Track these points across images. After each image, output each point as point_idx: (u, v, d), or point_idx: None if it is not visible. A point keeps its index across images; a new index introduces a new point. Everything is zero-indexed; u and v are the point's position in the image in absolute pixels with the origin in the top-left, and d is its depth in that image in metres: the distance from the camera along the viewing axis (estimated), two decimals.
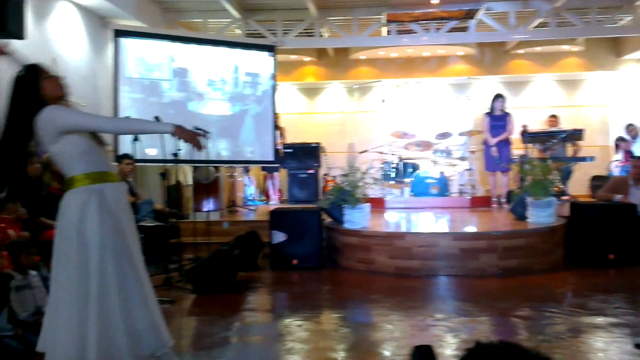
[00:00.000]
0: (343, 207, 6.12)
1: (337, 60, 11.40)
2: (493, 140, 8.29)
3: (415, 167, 9.58)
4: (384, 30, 9.60)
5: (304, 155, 9.95)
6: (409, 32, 9.38)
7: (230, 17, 9.00)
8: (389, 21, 9.04)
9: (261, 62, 8.12)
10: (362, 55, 11.11)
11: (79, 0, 6.87)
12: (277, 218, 6.05)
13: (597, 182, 10.41)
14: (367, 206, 6.18)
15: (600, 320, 3.87)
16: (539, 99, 11.69)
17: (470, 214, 7.81)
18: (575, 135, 8.33)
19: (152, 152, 6.52)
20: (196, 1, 8.64)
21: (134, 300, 2.55)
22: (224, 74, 7.84)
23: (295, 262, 5.89)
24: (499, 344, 0.99)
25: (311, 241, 5.95)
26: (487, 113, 8.52)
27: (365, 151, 10.06)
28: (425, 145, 9.49)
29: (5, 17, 4.52)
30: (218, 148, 7.51)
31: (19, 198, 4.58)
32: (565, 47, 10.73)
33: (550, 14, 8.94)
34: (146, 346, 2.55)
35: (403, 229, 6.44)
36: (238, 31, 9.44)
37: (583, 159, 8.38)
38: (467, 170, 9.32)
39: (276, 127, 8.50)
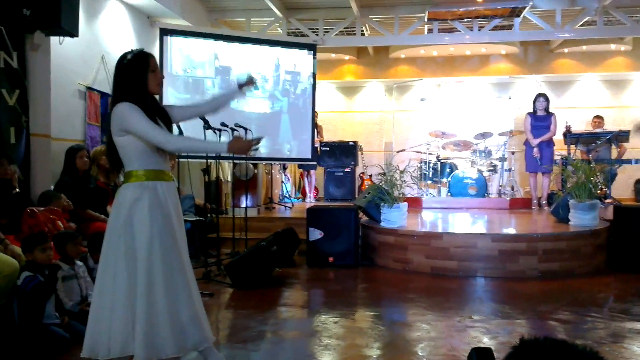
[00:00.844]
0: (380, 205, 6.13)
1: (376, 59, 11.38)
2: (535, 141, 8.14)
3: (453, 167, 9.50)
4: (426, 28, 9.52)
5: (341, 154, 9.98)
6: (451, 30, 9.28)
7: (272, 15, 9.10)
8: (431, 19, 8.96)
9: (302, 61, 8.18)
10: (402, 54, 11.05)
11: (127, 0, 7.07)
12: (314, 215, 6.10)
13: None
14: (404, 205, 6.17)
15: None
16: (583, 100, 11.40)
17: (509, 216, 7.69)
18: (620, 136, 8.10)
19: None
20: (240, 0, 8.76)
21: (179, 296, 2.62)
22: (266, 72, 7.94)
23: (331, 259, 5.93)
24: (544, 340, 0.98)
25: (347, 239, 5.98)
26: (529, 113, 8.37)
27: (402, 150, 10.03)
28: (464, 145, 9.39)
29: (60, 14, 4.70)
30: (257, 145, 7.60)
31: (65, 190, 4.77)
32: (612, 47, 10.43)
33: (597, 12, 8.71)
34: (189, 340, 2.61)
35: (440, 229, 6.40)
36: (280, 30, 9.53)
37: (628, 162, 8.14)
38: (507, 170, 9.18)
39: (314, 125, 8.55)
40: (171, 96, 7.31)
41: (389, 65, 11.44)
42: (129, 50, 2.76)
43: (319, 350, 3.40)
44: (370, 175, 10.69)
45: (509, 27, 9.17)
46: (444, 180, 9.27)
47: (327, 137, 10.67)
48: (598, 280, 5.32)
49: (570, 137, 8.18)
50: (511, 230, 6.29)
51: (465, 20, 8.99)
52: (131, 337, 2.50)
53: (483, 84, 11.68)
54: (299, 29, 9.45)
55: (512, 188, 9.16)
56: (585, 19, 8.92)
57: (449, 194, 8.94)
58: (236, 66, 7.75)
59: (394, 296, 4.92)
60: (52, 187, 5.02)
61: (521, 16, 8.75)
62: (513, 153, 9.67)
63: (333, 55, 10.95)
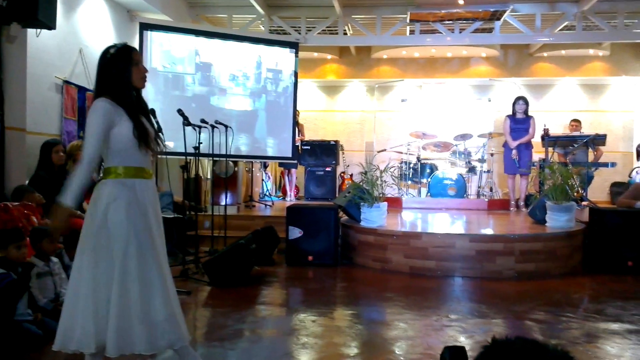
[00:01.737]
0: (360, 205, 6.14)
1: (358, 59, 11.40)
2: (513, 143, 8.23)
3: (433, 168, 9.56)
4: (408, 29, 9.57)
5: (322, 153, 9.98)
6: (433, 32, 9.34)
7: (255, 13, 9.05)
8: (413, 20, 9.00)
9: (283, 59, 8.16)
10: (384, 55, 11.09)
11: None
12: (294, 214, 6.08)
13: (618, 188, 10.30)
14: (384, 205, 6.18)
15: (616, 326, 3.84)
16: (561, 103, 11.56)
17: (487, 217, 7.76)
18: (597, 140, 8.23)
19: (172, 145, 6.59)
20: None
21: (155, 294, 2.58)
22: (247, 69, 7.90)
23: (310, 258, 5.92)
24: (516, 340, 0.99)
25: (327, 238, 5.97)
26: (509, 115, 8.46)
27: (383, 150, 10.06)
28: (444, 146, 9.45)
29: (37, 6, 4.62)
30: (238, 143, 7.57)
31: (40, 185, 4.68)
32: (590, 51, 10.60)
33: (576, 17, 8.84)
34: (164, 338, 2.58)
35: (419, 229, 6.43)
36: (262, 27, 9.49)
37: (604, 165, 8.28)
38: (486, 172, 9.27)
39: (295, 123, 8.54)
40: (150, 92, 7.23)
41: (370, 65, 11.47)
42: (112, 44, 2.72)
43: (297, 348, 3.39)
44: (351, 175, 10.72)
45: (490, 30, 9.25)
46: (424, 180, 9.33)
47: (308, 136, 10.66)
48: (573, 281, 5.40)
49: (548, 139, 8.29)
50: (489, 231, 6.34)
51: (447, 22, 9.05)
52: (104, 332, 2.46)
53: (463, 86, 11.78)
54: (281, 27, 9.42)
55: (491, 189, 9.25)
56: (564, 24, 9.05)
57: (429, 194, 9.00)
58: (217, 63, 7.69)
59: (373, 295, 4.93)
60: (27, 182, 4.93)
61: (502, 19, 8.85)
62: (492, 155, 9.76)
63: (315, 54, 10.95)
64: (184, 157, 5.84)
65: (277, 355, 3.34)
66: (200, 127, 5.83)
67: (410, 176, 9.45)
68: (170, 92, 7.41)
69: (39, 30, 5.23)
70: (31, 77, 5.32)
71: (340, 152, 10.54)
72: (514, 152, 8.22)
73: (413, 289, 5.05)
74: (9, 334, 3.24)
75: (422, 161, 9.44)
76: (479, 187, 9.25)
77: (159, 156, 5.61)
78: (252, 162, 8.67)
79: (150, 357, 2.89)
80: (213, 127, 6.24)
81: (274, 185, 10.70)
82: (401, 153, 9.81)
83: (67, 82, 6.15)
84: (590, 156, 8.60)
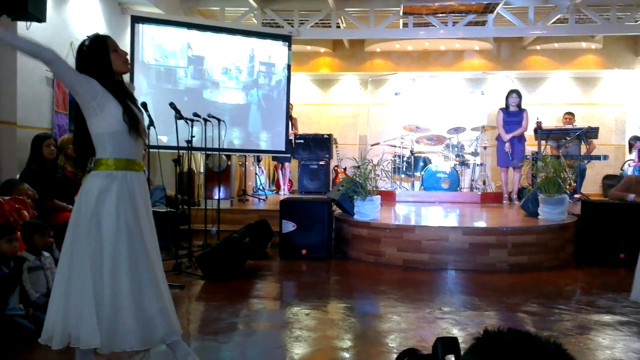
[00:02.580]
0: (354, 198, 6.14)
1: (352, 52, 11.37)
2: (506, 136, 8.25)
3: (426, 161, 9.57)
4: (401, 22, 9.55)
5: (315, 146, 9.97)
6: (426, 25, 9.32)
7: (247, 5, 9.00)
8: (406, 13, 8.98)
9: (277, 52, 8.12)
10: (377, 48, 11.06)
11: None
12: (287, 208, 6.08)
13: (610, 181, 10.35)
14: (377, 198, 6.19)
15: (608, 318, 3.86)
16: (554, 96, 11.59)
17: (480, 210, 7.78)
18: (589, 133, 8.26)
19: (165, 139, 6.56)
20: None
21: (146, 288, 2.57)
22: (240, 62, 7.86)
23: (304, 251, 5.93)
24: (508, 331, 0.98)
25: (320, 232, 5.97)
26: (502, 109, 8.47)
27: (377, 144, 10.05)
28: (438, 140, 9.46)
29: (27, 0, 4.56)
30: (231, 136, 7.55)
31: (31, 179, 4.65)
32: (583, 44, 10.61)
33: (569, 10, 8.84)
34: (156, 333, 2.57)
35: (413, 222, 6.45)
36: (254, 20, 9.44)
37: (597, 158, 8.31)
38: (479, 165, 9.28)
39: (289, 117, 8.51)
40: (142, 85, 7.19)
41: (364, 58, 11.44)
42: (85, 37, 2.71)
43: (290, 341, 3.39)
44: (345, 168, 10.71)
45: (483, 23, 9.24)
46: (418, 174, 9.34)
47: (302, 129, 10.64)
48: (565, 273, 5.43)
49: (541, 132, 8.31)
50: (482, 224, 6.36)
51: (440, 15, 9.03)
52: (95, 328, 2.45)
53: (457, 79, 11.78)
54: (274, 20, 9.37)
55: (484, 182, 9.27)
56: (557, 17, 9.06)
57: (422, 187, 9.01)
58: (209, 56, 7.65)
59: (366, 288, 4.94)
60: (17, 176, 4.89)
61: (495, 12, 8.84)
62: (485, 148, 9.77)
63: (308, 47, 10.90)
64: (176, 151, 5.81)
65: (270, 348, 3.35)
66: (192, 120, 5.80)
67: (404, 169, 9.45)
68: (163, 86, 7.36)
69: (29, 23, 5.17)
70: (22, 70, 5.27)
71: (334, 146, 10.53)
72: (507, 145, 8.23)
73: (406, 281, 5.06)
74: (1, 328, 3.22)
75: (416, 154, 9.45)
76: (472, 180, 9.27)
77: (151, 150, 5.61)
78: (245, 155, 8.65)
79: (144, 352, 2.88)
80: (206, 120, 6.20)
81: (268, 179, 10.69)
82: (395, 146, 9.81)
83: None
84: (583, 149, 8.64)
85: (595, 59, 10.93)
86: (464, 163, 9.25)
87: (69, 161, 5.29)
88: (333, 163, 10.66)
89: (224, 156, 7.63)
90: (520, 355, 0.94)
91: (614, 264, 5.70)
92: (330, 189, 8.91)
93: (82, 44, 2.67)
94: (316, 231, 5.97)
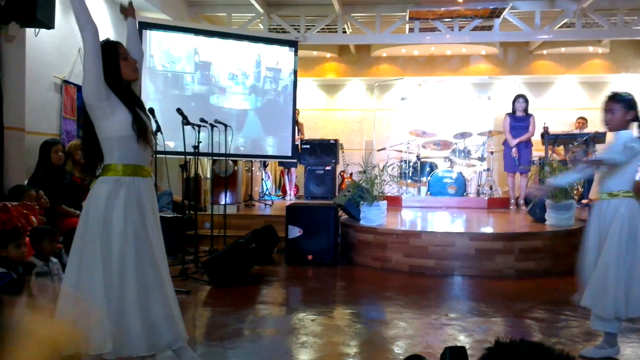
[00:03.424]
0: (360, 204, 6.14)
1: (358, 57, 11.38)
2: (513, 141, 8.22)
3: (432, 167, 9.55)
4: (407, 27, 9.56)
5: (321, 151, 9.97)
6: (432, 29, 9.33)
7: (254, 11, 9.04)
8: (412, 18, 8.99)
9: (283, 58, 8.14)
10: (383, 53, 11.07)
11: None
12: (294, 213, 6.08)
13: None
14: (383, 204, 6.18)
15: None
16: (561, 101, 11.54)
17: (487, 215, 7.76)
18: (597, 138, 8.22)
19: (172, 144, 6.59)
20: None
21: (152, 293, 2.58)
22: (246, 68, 7.89)
23: (310, 257, 5.92)
24: (521, 344, 0.97)
25: (327, 237, 5.97)
26: (508, 113, 8.45)
27: (383, 149, 10.05)
28: (444, 145, 9.45)
29: (35, 5, 4.60)
30: (237, 142, 7.57)
31: (39, 185, 4.68)
32: (590, 49, 10.57)
33: (576, 14, 8.82)
34: (162, 338, 2.58)
35: (419, 228, 6.44)
36: (261, 26, 9.48)
37: None
38: (485, 170, 9.26)
39: (295, 122, 8.53)
40: (150, 91, 7.23)
41: (370, 63, 11.45)
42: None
43: (296, 347, 3.39)
44: (351, 174, 10.71)
45: (489, 28, 9.24)
46: (424, 179, 9.32)
47: (308, 134, 10.65)
48: (573, 280, 5.33)
49: (548, 137, 8.28)
50: (489, 230, 6.34)
51: (446, 20, 9.04)
52: (106, 333, 2.46)
53: (463, 84, 11.76)
54: (280, 26, 9.40)
55: (491, 188, 9.24)
56: (564, 21, 9.04)
57: (429, 193, 8.99)
58: (216, 61, 7.68)
59: (372, 294, 4.93)
60: (26, 182, 4.93)
61: (501, 17, 8.83)
62: (492, 153, 9.75)
63: (315, 52, 10.93)
64: (183, 157, 5.83)
65: (276, 354, 3.34)
66: (199, 126, 5.82)
67: (410, 175, 9.44)
68: (170, 91, 7.40)
69: (37, 29, 5.22)
70: (30, 76, 5.31)
71: (340, 151, 10.52)
72: (513, 150, 8.21)
73: (413, 287, 5.05)
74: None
75: (422, 160, 9.43)
76: (479, 185, 9.25)
77: (159, 155, 5.64)
78: (251, 161, 8.67)
79: (150, 357, 2.89)
80: (212, 126, 6.23)
81: (274, 184, 10.70)
82: (401, 151, 9.80)
83: (66, 82, 6.14)
84: (590, 154, 8.58)
85: (602, 64, 10.88)
86: (470, 166, 9.23)
87: (76, 167, 5.32)
88: (339, 168, 10.65)
89: (230, 161, 7.65)
90: None
91: None
92: (337, 194, 8.91)
93: None
94: (322, 237, 5.96)
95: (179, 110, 5.59)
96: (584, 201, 7.94)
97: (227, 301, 4.44)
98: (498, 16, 8.80)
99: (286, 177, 10.17)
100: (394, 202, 8.42)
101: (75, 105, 6.28)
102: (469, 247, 5.49)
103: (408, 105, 11.20)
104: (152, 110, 4.29)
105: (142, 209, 2.63)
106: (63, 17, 6.06)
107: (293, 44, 8.28)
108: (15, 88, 4.98)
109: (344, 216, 6.55)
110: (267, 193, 9.74)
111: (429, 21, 9.06)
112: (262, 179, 9.74)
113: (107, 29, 7.16)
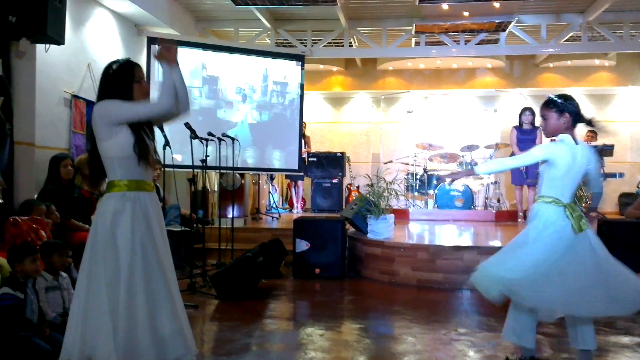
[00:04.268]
0: (367, 217, 6.13)
1: (364, 71, 11.43)
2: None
3: (440, 179, 9.54)
4: (413, 41, 9.60)
5: (328, 165, 9.99)
6: (438, 43, 9.37)
7: (261, 26, 9.11)
8: (418, 32, 9.04)
9: (290, 72, 8.20)
10: (389, 66, 11.12)
11: (115, 8, 7.04)
12: (301, 226, 6.08)
13: (626, 199, 10.22)
14: (391, 217, 6.17)
15: (627, 340, 3.80)
16: None
17: (495, 228, 7.73)
18: (604, 150, 8.20)
19: (180, 158, 6.62)
20: (228, 10, 8.76)
21: (161, 307, 2.59)
22: (253, 82, 7.94)
23: (317, 271, 5.91)
24: None
25: (334, 250, 5.96)
26: (515, 126, 8.44)
27: (390, 162, 10.05)
28: (451, 157, 9.44)
29: (46, 22, 4.66)
30: (244, 155, 7.60)
31: (48, 199, 4.71)
32: (596, 62, 10.59)
33: (582, 27, 8.84)
34: (171, 352, 2.58)
35: (427, 241, 6.41)
36: (268, 40, 9.55)
37: (612, 175, 8.24)
38: (493, 183, 9.23)
39: (302, 135, 8.56)
40: None
41: (376, 76, 11.50)
42: (115, 59, 2.76)
43: None
44: (358, 187, 10.71)
45: (495, 42, 9.27)
46: (431, 192, 9.31)
47: (315, 147, 10.68)
48: None
49: None
50: (497, 243, 6.31)
51: (452, 33, 9.08)
52: (112, 347, 2.46)
53: (469, 97, 11.77)
54: (287, 40, 9.47)
55: (498, 200, 9.21)
56: (570, 34, 9.06)
57: (436, 205, 8.97)
58: (224, 76, 7.74)
59: (380, 308, 4.91)
60: (35, 196, 4.96)
61: (507, 31, 8.86)
62: None
63: (321, 66, 10.99)
64: (191, 170, 5.86)
65: None
66: (207, 140, 5.86)
67: (417, 187, 9.43)
68: None
69: (47, 45, 5.27)
70: (40, 91, 5.36)
71: (347, 164, 10.54)
72: None
73: (421, 302, 5.03)
74: (18, 348, 3.24)
75: (429, 172, 9.43)
76: (486, 198, 9.22)
77: (167, 169, 5.67)
78: (258, 174, 8.69)
79: None
80: (220, 139, 6.26)
81: (281, 197, 10.71)
82: (408, 164, 9.80)
83: (75, 97, 6.20)
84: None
85: (608, 76, 10.89)
86: (478, 180, 9.21)
87: (85, 181, 5.35)
88: (346, 181, 10.66)
89: (237, 175, 7.68)
90: None
91: None
92: (344, 207, 8.91)
93: (110, 66, 2.73)
94: (330, 250, 5.96)
95: (186, 124, 5.61)
96: (592, 214, 7.89)
97: (235, 315, 4.44)
98: (504, 30, 8.83)
99: (293, 190, 10.18)
100: (401, 215, 8.40)
101: (84, 119, 6.33)
102: (477, 261, 5.40)
103: (414, 118, 11.22)
104: (160, 125, 4.33)
105: (149, 222, 2.65)
106: (73, 33, 6.13)
107: (300, 58, 8.33)
108: (25, 103, 5.03)
109: (351, 229, 6.54)
110: (274, 206, 9.75)
111: (435, 35, 9.10)
112: (269, 192, 9.76)
113: (116, 44, 7.23)
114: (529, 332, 3.13)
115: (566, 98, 3.19)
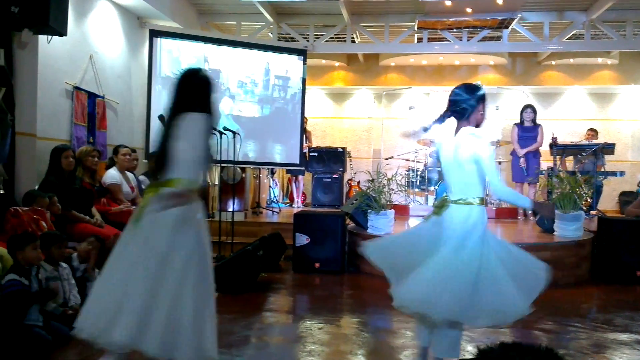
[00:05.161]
0: (367, 212, 6.14)
1: (366, 66, 11.42)
2: (521, 151, 8.21)
3: (440, 175, 9.54)
4: (415, 37, 9.59)
5: (329, 160, 9.98)
6: (441, 39, 9.35)
7: (263, 20, 9.10)
8: (420, 28, 9.02)
9: (292, 66, 8.19)
10: (391, 62, 11.10)
11: (117, 0, 7.03)
12: (301, 221, 6.09)
13: (627, 197, 10.23)
14: (391, 212, 6.18)
15: (625, 337, 3.82)
16: (570, 112, 11.52)
17: (495, 225, 7.73)
18: (605, 149, 8.19)
19: None
20: (231, 4, 8.76)
21: (206, 307, 2.70)
22: (255, 76, 7.94)
23: (317, 265, 5.93)
24: (499, 346, 1.02)
25: (334, 245, 5.97)
26: (516, 124, 8.44)
27: (391, 158, 10.05)
28: None
29: (48, 13, 4.65)
30: (245, 149, 7.60)
31: (49, 190, 4.72)
32: (598, 60, 10.56)
33: (585, 25, 8.83)
34: (209, 349, 2.65)
35: None
36: (270, 34, 9.54)
37: (613, 174, 8.24)
38: None
39: (303, 130, 8.56)
40: (162, 98, 7.27)
41: (378, 72, 11.48)
42: (198, 67, 2.95)
43: (303, 356, 3.39)
44: (358, 182, 10.71)
45: (498, 39, 9.25)
46: (431, 188, 9.31)
47: (316, 142, 10.67)
48: (581, 291, 5.37)
49: (557, 148, 8.26)
50: None
51: (455, 30, 9.06)
52: (140, 332, 2.50)
53: None
54: (289, 34, 9.46)
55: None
56: (572, 32, 9.04)
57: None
58: (225, 69, 7.74)
59: (379, 303, 4.91)
60: (36, 187, 4.96)
61: (510, 28, 8.85)
62: (500, 163, 9.73)
63: (323, 61, 10.97)
64: None
65: None
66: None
67: (418, 183, 9.43)
68: None
69: (50, 36, 5.27)
70: (42, 83, 5.36)
71: (348, 159, 10.54)
72: (521, 160, 8.19)
73: None
74: (20, 338, 3.26)
75: (429, 168, 9.43)
76: (487, 195, 9.21)
77: None
78: (259, 168, 8.70)
79: None
80: (221, 133, 6.26)
81: (281, 191, 10.71)
82: (408, 160, 9.80)
83: (77, 88, 6.20)
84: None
85: (611, 75, 10.86)
86: None
87: (87, 172, 5.36)
88: (347, 176, 10.66)
89: (238, 169, 7.68)
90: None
91: (630, 281, 5.62)
92: (344, 202, 8.91)
93: (195, 72, 2.90)
94: (330, 245, 5.97)
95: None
96: (593, 212, 7.90)
97: (235, 308, 4.45)
98: (507, 27, 8.81)
99: (294, 184, 10.18)
100: (401, 211, 8.41)
101: (86, 111, 6.33)
102: None
103: (416, 114, 11.21)
104: (161, 118, 4.32)
105: (203, 227, 2.79)
106: (75, 24, 6.13)
107: (302, 53, 8.33)
108: (27, 94, 5.03)
109: (351, 224, 6.55)
110: (274, 200, 9.75)
111: (438, 31, 9.08)
112: (270, 187, 9.76)
113: (118, 36, 7.23)
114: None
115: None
